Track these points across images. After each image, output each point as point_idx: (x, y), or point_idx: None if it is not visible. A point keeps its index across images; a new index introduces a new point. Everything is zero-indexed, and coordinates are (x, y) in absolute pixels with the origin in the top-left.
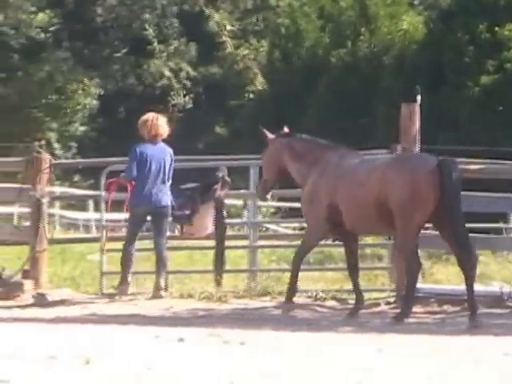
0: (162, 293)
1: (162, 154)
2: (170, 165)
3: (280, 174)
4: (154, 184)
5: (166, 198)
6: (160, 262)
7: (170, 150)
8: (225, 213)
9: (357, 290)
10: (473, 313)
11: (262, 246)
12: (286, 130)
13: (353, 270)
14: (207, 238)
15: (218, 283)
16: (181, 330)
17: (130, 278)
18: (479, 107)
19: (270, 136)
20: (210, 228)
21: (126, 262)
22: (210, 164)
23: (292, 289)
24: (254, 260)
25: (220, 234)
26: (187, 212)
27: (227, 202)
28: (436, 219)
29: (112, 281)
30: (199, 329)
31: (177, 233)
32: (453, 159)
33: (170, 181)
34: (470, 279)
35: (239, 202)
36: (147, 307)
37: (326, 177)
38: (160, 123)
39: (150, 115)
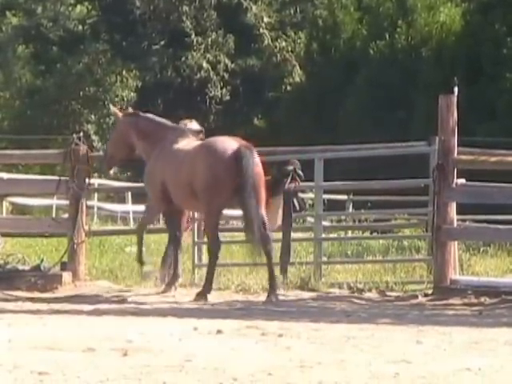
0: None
1: None
2: None
3: (127, 151)
4: None
5: None
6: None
7: None
8: (297, 206)
9: (175, 266)
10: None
11: (326, 239)
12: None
13: (176, 246)
14: (279, 230)
15: (285, 273)
16: (219, 322)
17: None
18: None
19: (119, 114)
20: (280, 221)
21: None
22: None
23: (139, 256)
24: (320, 252)
25: (287, 227)
26: None
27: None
28: (236, 202)
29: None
30: (237, 321)
31: None
32: (250, 146)
33: None
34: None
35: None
36: (186, 299)
37: (161, 156)
38: None
39: None
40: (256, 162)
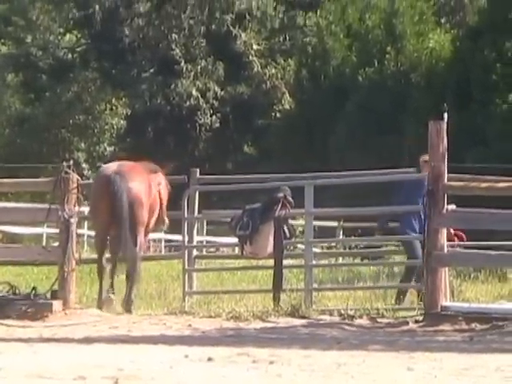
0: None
1: None
2: None
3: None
4: None
5: None
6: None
7: None
8: (287, 232)
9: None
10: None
11: (316, 265)
12: None
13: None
14: (270, 257)
15: (277, 301)
16: (210, 350)
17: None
18: (508, 124)
19: None
20: (270, 248)
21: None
22: (264, 185)
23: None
24: (311, 278)
25: (278, 254)
26: (247, 232)
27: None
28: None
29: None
30: (228, 348)
31: (237, 252)
32: (122, 172)
33: None
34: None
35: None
36: (176, 327)
37: None
38: None
39: None
40: (129, 187)
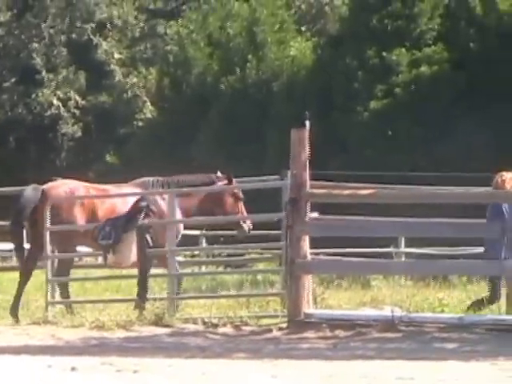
0: None
1: None
2: None
3: None
4: None
5: None
6: None
7: None
8: (150, 241)
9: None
10: None
11: (184, 274)
12: None
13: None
14: (133, 266)
15: (141, 310)
16: (73, 359)
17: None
18: (369, 132)
19: None
20: (134, 257)
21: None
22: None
23: None
24: (174, 287)
25: (142, 262)
26: (110, 241)
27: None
28: None
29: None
30: (92, 357)
31: (100, 261)
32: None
33: None
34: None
35: None
36: (39, 337)
37: None
38: None
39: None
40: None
